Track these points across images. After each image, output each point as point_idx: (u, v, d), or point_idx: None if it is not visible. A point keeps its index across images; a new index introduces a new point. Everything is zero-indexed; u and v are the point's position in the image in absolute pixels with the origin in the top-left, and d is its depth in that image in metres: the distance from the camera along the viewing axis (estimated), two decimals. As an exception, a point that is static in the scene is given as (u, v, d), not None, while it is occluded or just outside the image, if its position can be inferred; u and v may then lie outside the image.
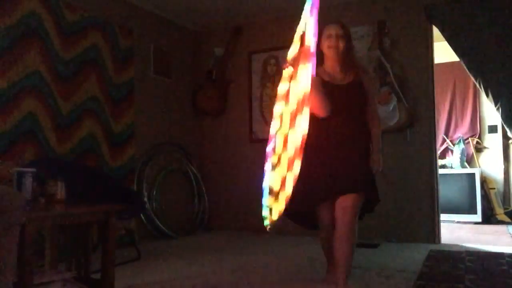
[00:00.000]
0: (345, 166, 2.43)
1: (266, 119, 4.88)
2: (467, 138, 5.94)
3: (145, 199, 4.31)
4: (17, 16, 3.25)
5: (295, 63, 2.34)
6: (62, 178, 2.48)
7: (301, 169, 2.04)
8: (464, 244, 3.98)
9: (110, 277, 2.39)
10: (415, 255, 3.47)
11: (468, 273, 2.81)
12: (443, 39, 4.11)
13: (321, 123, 2.40)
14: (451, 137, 6.08)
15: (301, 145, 2.00)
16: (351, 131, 2.46)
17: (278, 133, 2.44)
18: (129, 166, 4.18)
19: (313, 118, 2.25)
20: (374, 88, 2.61)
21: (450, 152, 6.04)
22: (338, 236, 2.40)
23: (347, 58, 2.52)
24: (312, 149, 2.26)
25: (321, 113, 2.39)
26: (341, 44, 2.46)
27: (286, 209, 2.20)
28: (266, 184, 2.35)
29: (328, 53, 2.49)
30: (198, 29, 5.27)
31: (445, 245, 3.97)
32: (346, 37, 2.48)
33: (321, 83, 2.40)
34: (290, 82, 2.41)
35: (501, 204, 5.53)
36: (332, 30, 2.47)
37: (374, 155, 2.52)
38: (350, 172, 2.42)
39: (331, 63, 2.53)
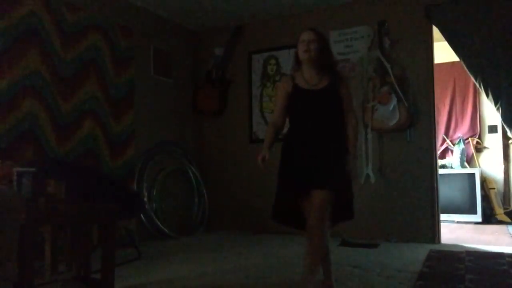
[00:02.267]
0: (319, 163, 2.48)
1: (266, 119, 4.87)
2: (467, 138, 5.93)
3: (145, 199, 4.31)
4: (17, 16, 3.25)
5: None
6: (62, 178, 2.48)
7: (282, 165, 2.49)
8: (464, 244, 3.98)
9: (110, 277, 2.39)
10: (415, 255, 3.47)
11: (468, 273, 2.81)
12: (443, 39, 4.11)
13: (299, 124, 2.56)
14: (451, 137, 6.07)
15: None
16: (325, 133, 2.53)
17: None
18: (129, 166, 4.19)
19: (293, 120, 2.59)
20: (349, 93, 2.66)
21: (450, 152, 6.04)
22: (309, 227, 2.42)
23: (321, 61, 2.57)
24: (291, 147, 2.53)
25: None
26: (312, 47, 2.53)
27: (273, 211, 2.52)
28: None
29: (302, 57, 2.57)
30: (198, 29, 5.27)
31: (445, 245, 3.97)
32: (319, 41, 2.55)
33: (295, 90, 2.56)
34: None
35: (501, 204, 5.53)
36: (305, 35, 2.56)
37: (349, 161, 2.53)
38: (324, 170, 2.46)
39: (306, 68, 2.60)
